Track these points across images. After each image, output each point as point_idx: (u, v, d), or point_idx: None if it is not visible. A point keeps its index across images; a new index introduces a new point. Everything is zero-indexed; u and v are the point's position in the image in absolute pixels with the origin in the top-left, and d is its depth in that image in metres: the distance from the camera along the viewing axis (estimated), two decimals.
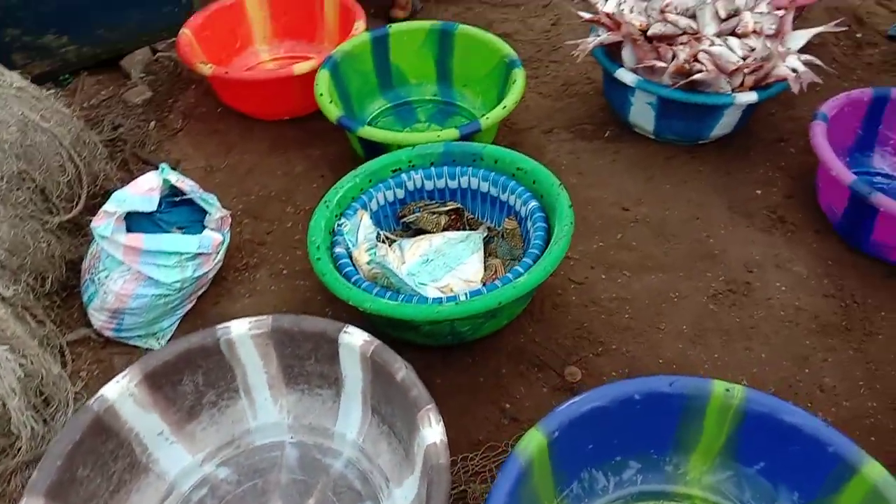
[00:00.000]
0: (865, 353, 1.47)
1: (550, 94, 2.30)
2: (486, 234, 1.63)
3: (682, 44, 1.83)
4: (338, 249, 1.44)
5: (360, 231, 1.50)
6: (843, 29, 2.11)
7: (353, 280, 1.37)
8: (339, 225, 1.49)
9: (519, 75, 1.85)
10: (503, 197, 1.61)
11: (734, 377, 1.42)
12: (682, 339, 1.50)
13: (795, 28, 1.96)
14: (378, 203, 1.61)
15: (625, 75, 1.85)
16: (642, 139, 2.03)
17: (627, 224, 1.78)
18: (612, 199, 1.85)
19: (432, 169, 1.63)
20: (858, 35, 2.69)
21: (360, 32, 2.04)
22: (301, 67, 1.94)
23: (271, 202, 1.91)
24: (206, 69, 1.97)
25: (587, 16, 1.97)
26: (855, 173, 1.86)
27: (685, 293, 1.60)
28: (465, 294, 1.31)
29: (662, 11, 1.88)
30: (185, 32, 2.10)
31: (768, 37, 1.84)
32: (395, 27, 2.05)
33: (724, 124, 1.90)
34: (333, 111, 1.77)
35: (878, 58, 2.53)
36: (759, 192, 1.85)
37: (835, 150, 1.75)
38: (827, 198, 1.71)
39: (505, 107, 1.76)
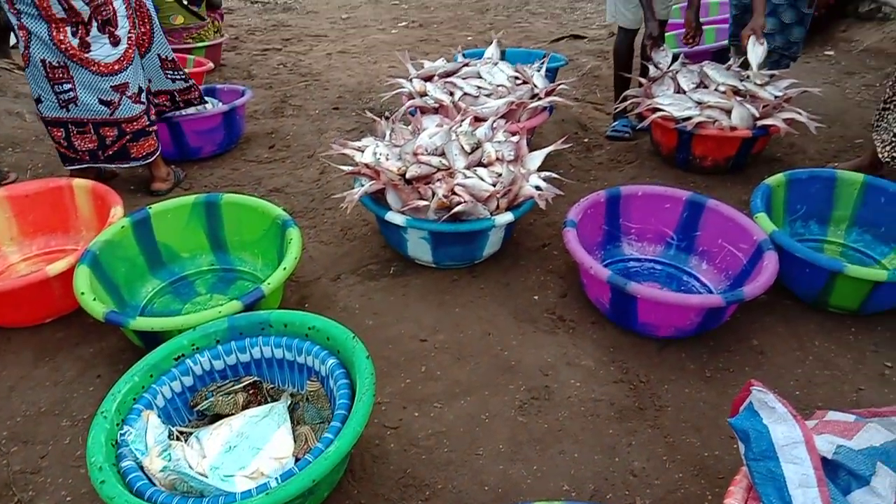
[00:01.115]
0: (661, 428, 1.60)
1: (332, 241, 2.35)
2: (290, 402, 1.57)
3: (438, 180, 1.98)
4: (125, 463, 1.30)
5: (149, 434, 1.37)
6: (569, 146, 2.40)
7: (147, 496, 1.23)
8: (122, 435, 1.35)
9: (294, 234, 1.87)
10: (300, 359, 1.57)
11: (556, 486, 1.47)
12: (502, 459, 1.53)
13: (533, 147, 2.21)
14: (165, 397, 1.49)
15: (394, 217, 1.95)
16: (425, 269, 2.12)
17: (429, 354, 1.82)
18: (410, 332, 1.89)
19: (219, 347, 1.56)
20: (586, 140, 3.12)
21: (119, 219, 1.95)
22: (56, 267, 1.79)
23: (42, 420, 1.69)
24: None
25: (348, 169, 2.06)
26: (611, 263, 2.10)
27: (495, 411, 1.65)
28: (276, 479, 1.23)
29: (415, 154, 2.04)
30: None
31: (510, 162, 2.06)
32: (155, 208, 1.99)
33: (493, 243, 2.05)
34: (98, 308, 1.64)
35: (606, 157, 2.94)
36: (536, 297, 2.00)
37: (589, 247, 1.97)
38: (594, 293, 1.89)
39: (285, 268, 1.75)
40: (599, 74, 4.11)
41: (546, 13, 6.15)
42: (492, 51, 2.85)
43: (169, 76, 2.57)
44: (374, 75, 4.30)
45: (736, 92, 2.57)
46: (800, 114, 2.48)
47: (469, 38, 5.47)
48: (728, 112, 2.51)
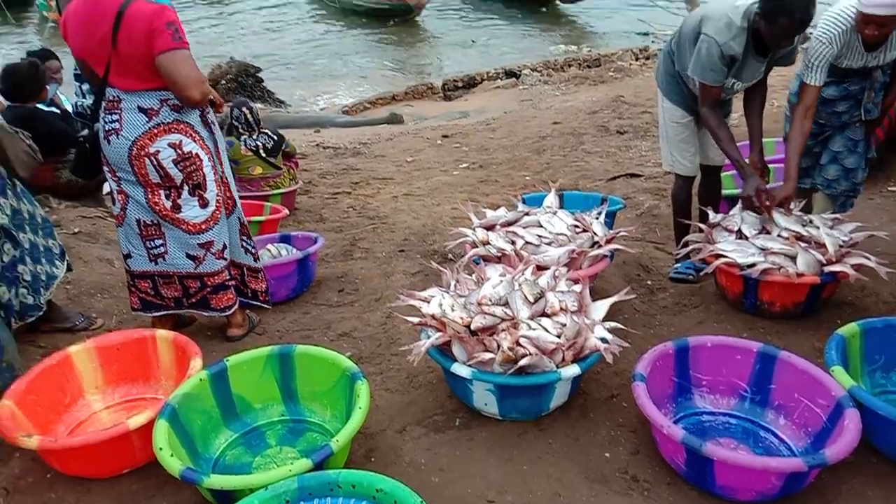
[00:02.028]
0: None
1: (398, 389, 2.37)
2: None
3: (503, 331, 2.01)
4: None
5: None
6: (633, 296, 2.41)
7: None
8: None
9: (362, 389, 1.91)
10: None
11: None
12: None
13: (596, 291, 2.24)
14: None
15: (460, 369, 1.98)
16: (491, 421, 2.11)
17: None
18: (477, 491, 1.85)
19: None
20: (648, 282, 3.13)
21: (197, 371, 2.04)
22: (137, 421, 1.87)
23: None
24: (32, 442, 1.84)
25: (415, 320, 2.13)
26: (683, 417, 2.05)
27: None
28: None
29: (480, 304, 2.09)
30: (6, 404, 1.98)
31: (574, 312, 2.08)
32: (232, 360, 2.08)
33: (559, 395, 2.04)
34: (175, 465, 1.69)
35: (670, 300, 2.93)
36: (607, 454, 1.95)
37: (659, 400, 1.93)
38: (668, 451, 1.84)
39: (353, 425, 1.78)
40: (658, 213, 4.18)
41: (601, 152, 6.35)
42: (551, 199, 2.96)
43: (244, 244, 2.74)
44: (437, 217, 4.48)
45: (800, 237, 2.57)
46: (868, 258, 2.45)
47: (527, 177, 5.68)
48: (793, 258, 2.50)
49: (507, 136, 7.39)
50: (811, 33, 2.73)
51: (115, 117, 2.35)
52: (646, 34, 13.17)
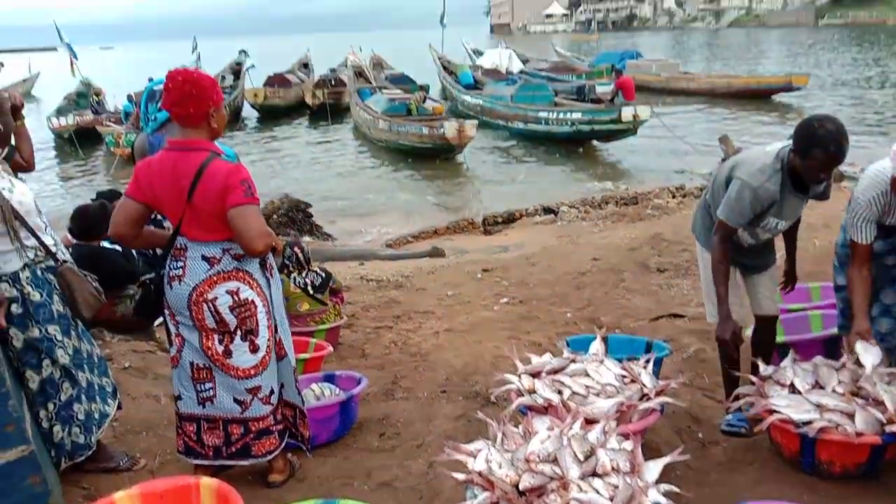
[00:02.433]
0: None
1: None
2: None
3: (552, 492, 1.96)
4: None
5: None
6: (686, 457, 2.32)
7: None
8: None
9: None
10: None
11: None
12: None
13: (645, 445, 2.18)
14: None
15: None
16: None
17: None
18: None
19: None
20: (700, 435, 3.03)
21: None
22: None
23: None
24: None
25: (461, 477, 2.09)
26: None
27: None
28: None
29: (528, 461, 2.05)
30: None
31: (626, 473, 2.03)
32: None
33: None
34: None
35: (723, 455, 2.82)
36: None
37: None
38: None
39: None
40: (705, 358, 4.11)
41: (643, 290, 6.36)
42: (597, 346, 2.95)
43: (298, 385, 2.78)
44: (479, 356, 4.48)
45: (856, 393, 2.50)
46: None
47: (568, 314, 5.69)
48: (851, 416, 2.42)
49: (547, 270, 7.47)
50: (846, 171, 2.82)
51: (179, 264, 2.48)
52: (682, 172, 13.50)
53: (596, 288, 6.70)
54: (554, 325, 5.42)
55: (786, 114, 21.16)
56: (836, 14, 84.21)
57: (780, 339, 3.60)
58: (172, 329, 2.60)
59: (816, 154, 2.55)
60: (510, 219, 10.74)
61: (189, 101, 2.40)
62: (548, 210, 10.94)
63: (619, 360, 2.81)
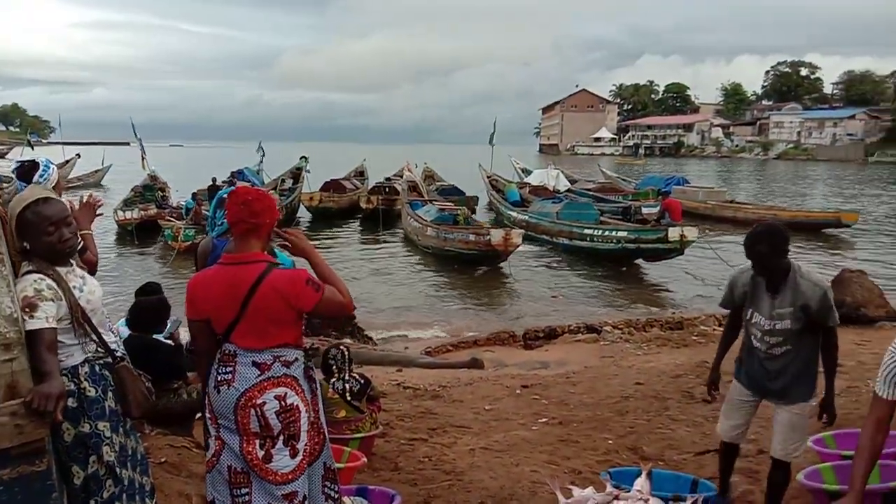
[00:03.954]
0: None
1: None
2: None
3: None
4: None
5: None
6: None
7: None
8: None
9: None
10: None
11: None
12: None
13: None
14: None
15: None
16: None
17: None
18: None
19: None
20: None
21: None
22: None
23: None
24: None
25: None
26: None
27: None
28: None
29: None
30: None
31: None
32: None
33: None
34: None
35: None
36: None
37: None
38: None
39: None
40: (753, 500, 3.90)
41: (688, 420, 6.14)
42: (642, 483, 2.86)
43: (326, 489, 2.74)
44: (515, 480, 4.33)
45: None
46: None
47: (609, 441, 5.50)
48: None
49: (588, 392, 7.30)
50: None
51: (228, 369, 2.55)
52: None
53: (639, 415, 6.50)
54: (594, 451, 5.24)
55: (835, 248, 20.93)
56: (885, 153, 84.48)
57: (832, 487, 3.42)
58: (213, 432, 2.62)
59: (746, 253, 3.21)
60: (552, 334, 10.66)
61: (248, 218, 2.56)
62: (590, 328, 10.83)
63: (665, 500, 2.70)
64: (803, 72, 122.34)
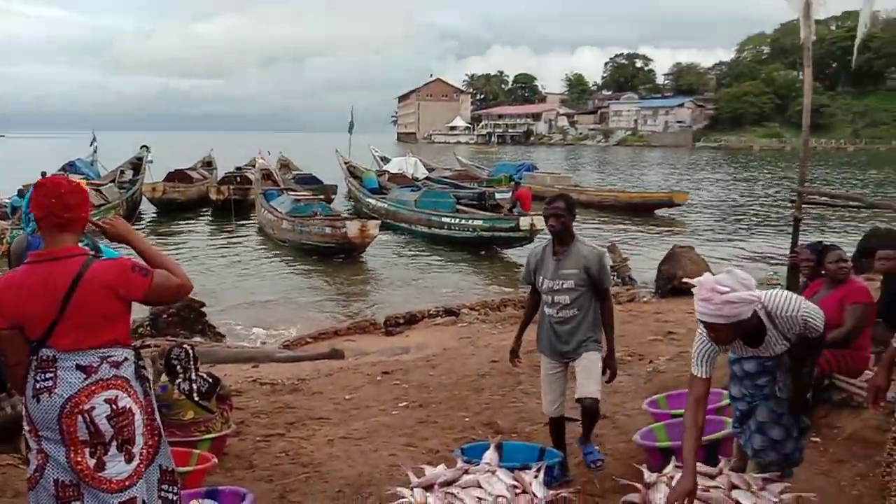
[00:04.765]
0: None
1: None
2: None
3: None
4: None
5: None
6: None
7: None
8: None
9: None
10: None
11: None
12: None
13: None
14: None
15: None
16: None
17: None
18: None
19: None
20: None
21: None
22: None
23: None
24: None
25: None
26: None
27: None
28: None
29: None
30: None
31: None
32: None
33: None
34: None
35: None
36: None
37: None
38: None
39: None
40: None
41: (538, 392, 6.44)
42: (490, 455, 2.96)
43: (163, 492, 2.60)
44: (374, 465, 4.35)
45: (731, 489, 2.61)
46: None
47: (466, 419, 5.67)
48: None
49: (447, 373, 7.47)
50: None
51: (48, 376, 2.34)
52: None
53: (494, 391, 6.75)
54: (452, 430, 5.37)
55: (667, 226, 22.84)
56: (710, 138, 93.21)
57: (664, 444, 3.74)
58: (34, 445, 2.40)
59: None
60: (412, 320, 10.77)
61: (60, 213, 2.36)
62: (449, 312, 11.06)
63: (511, 470, 2.82)
64: (638, 64, 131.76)
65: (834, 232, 18.98)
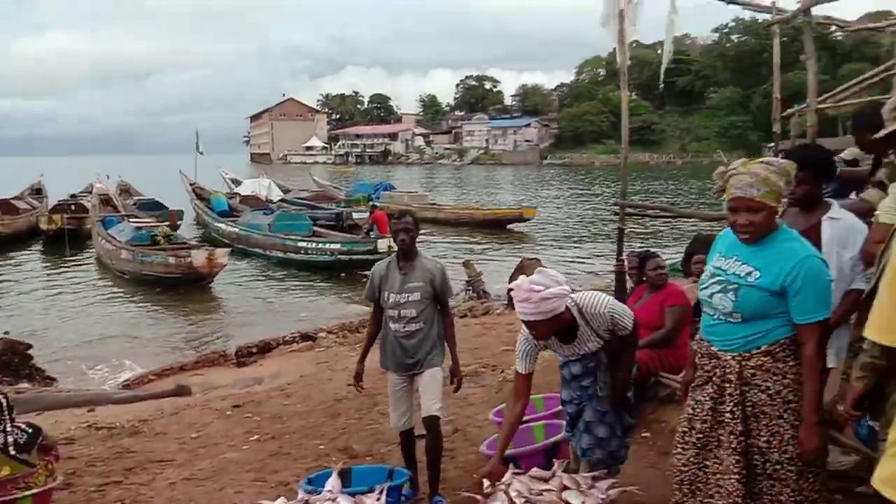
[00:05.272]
0: None
1: None
2: None
3: None
4: None
5: None
6: None
7: None
8: None
9: None
10: None
11: None
12: None
13: None
14: None
15: None
16: None
17: None
18: None
19: None
20: None
21: None
22: None
23: None
24: None
25: None
26: None
27: None
28: None
29: None
30: None
31: None
32: None
33: None
34: None
35: None
36: None
37: None
38: None
39: None
40: (444, 478, 4.23)
41: None
42: (332, 482, 2.92)
43: None
44: None
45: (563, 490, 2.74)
46: None
47: (321, 447, 5.56)
48: None
49: (303, 401, 7.28)
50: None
51: None
52: None
53: (351, 415, 6.67)
54: (305, 459, 5.24)
55: (519, 240, 23.90)
56: (556, 156, 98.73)
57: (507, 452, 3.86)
58: None
59: None
60: (266, 348, 10.44)
61: None
62: (306, 337, 10.83)
63: (353, 495, 2.80)
64: (487, 85, 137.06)
65: (661, 239, 20.65)
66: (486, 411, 5.89)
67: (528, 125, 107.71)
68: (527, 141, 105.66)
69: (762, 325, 2.37)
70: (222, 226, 21.32)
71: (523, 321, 2.96)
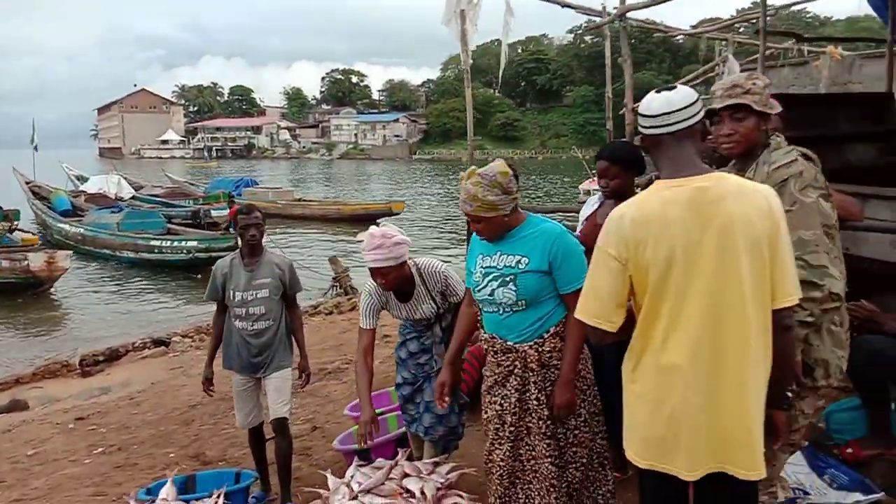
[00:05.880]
0: None
1: None
2: None
3: None
4: None
5: None
6: None
7: None
8: None
9: None
10: None
11: None
12: None
13: None
14: None
15: None
16: None
17: None
18: None
19: None
20: None
21: None
22: None
23: None
24: None
25: None
26: None
27: None
28: None
29: None
30: None
31: None
32: None
33: None
34: None
35: None
36: None
37: None
38: None
39: None
40: (300, 475, 4.20)
41: None
42: (167, 490, 2.83)
43: None
44: None
45: (406, 489, 2.82)
46: (461, 496, 2.77)
47: (171, 455, 5.34)
48: None
49: (154, 409, 6.94)
50: None
51: None
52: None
53: (205, 420, 6.44)
54: (153, 469, 5.00)
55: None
56: (424, 151, 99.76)
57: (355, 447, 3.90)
58: None
59: None
60: (114, 356, 9.83)
61: None
62: (158, 342, 10.30)
63: (188, 502, 2.73)
64: (354, 79, 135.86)
65: None
66: (345, 408, 5.91)
67: (396, 120, 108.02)
68: (396, 136, 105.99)
69: (544, 307, 2.56)
70: (65, 226, 19.72)
71: (373, 270, 3.11)
